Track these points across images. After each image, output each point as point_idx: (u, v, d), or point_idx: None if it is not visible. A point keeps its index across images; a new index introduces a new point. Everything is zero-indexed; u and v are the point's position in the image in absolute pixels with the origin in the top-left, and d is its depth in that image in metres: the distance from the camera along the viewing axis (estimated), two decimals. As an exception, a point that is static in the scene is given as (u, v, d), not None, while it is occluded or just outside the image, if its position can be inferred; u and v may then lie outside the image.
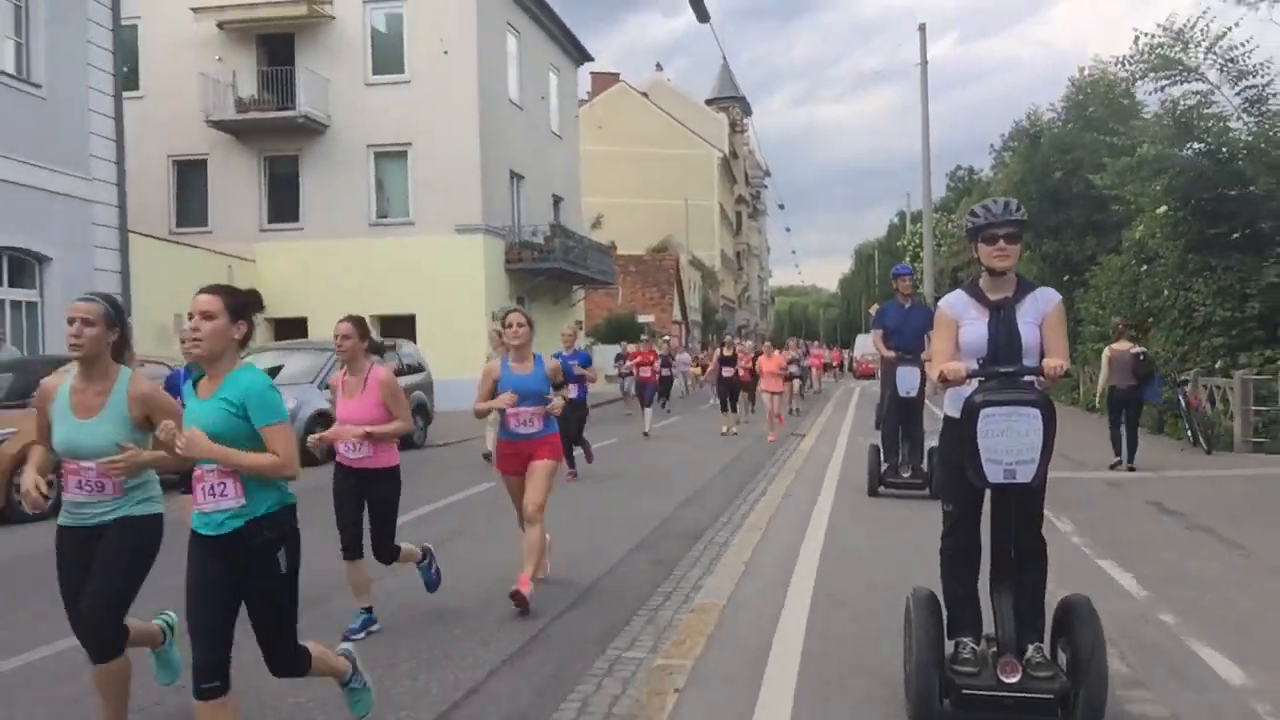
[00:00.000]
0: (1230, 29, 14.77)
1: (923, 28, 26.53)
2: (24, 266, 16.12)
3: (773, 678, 4.64)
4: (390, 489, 5.83)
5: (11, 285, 15.83)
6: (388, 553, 5.88)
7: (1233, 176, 13.17)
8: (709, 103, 77.18)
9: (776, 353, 19.68)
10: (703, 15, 14.23)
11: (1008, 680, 3.84)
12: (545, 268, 27.61)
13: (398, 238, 24.63)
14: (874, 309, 11.63)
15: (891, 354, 9.77)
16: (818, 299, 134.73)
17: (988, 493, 3.98)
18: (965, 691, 3.88)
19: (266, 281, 22.68)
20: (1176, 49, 15.15)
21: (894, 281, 10.38)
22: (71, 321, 3.84)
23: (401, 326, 23.05)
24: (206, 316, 3.50)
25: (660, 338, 31.21)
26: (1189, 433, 13.11)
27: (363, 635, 5.53)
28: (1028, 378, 3.93)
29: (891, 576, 6.16)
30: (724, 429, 18.57)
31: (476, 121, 24.80)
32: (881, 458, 9.99)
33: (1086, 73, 23.82)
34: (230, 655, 3.56)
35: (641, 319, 42.89)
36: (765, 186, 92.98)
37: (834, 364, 50.40)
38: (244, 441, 3.55)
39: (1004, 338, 3.98)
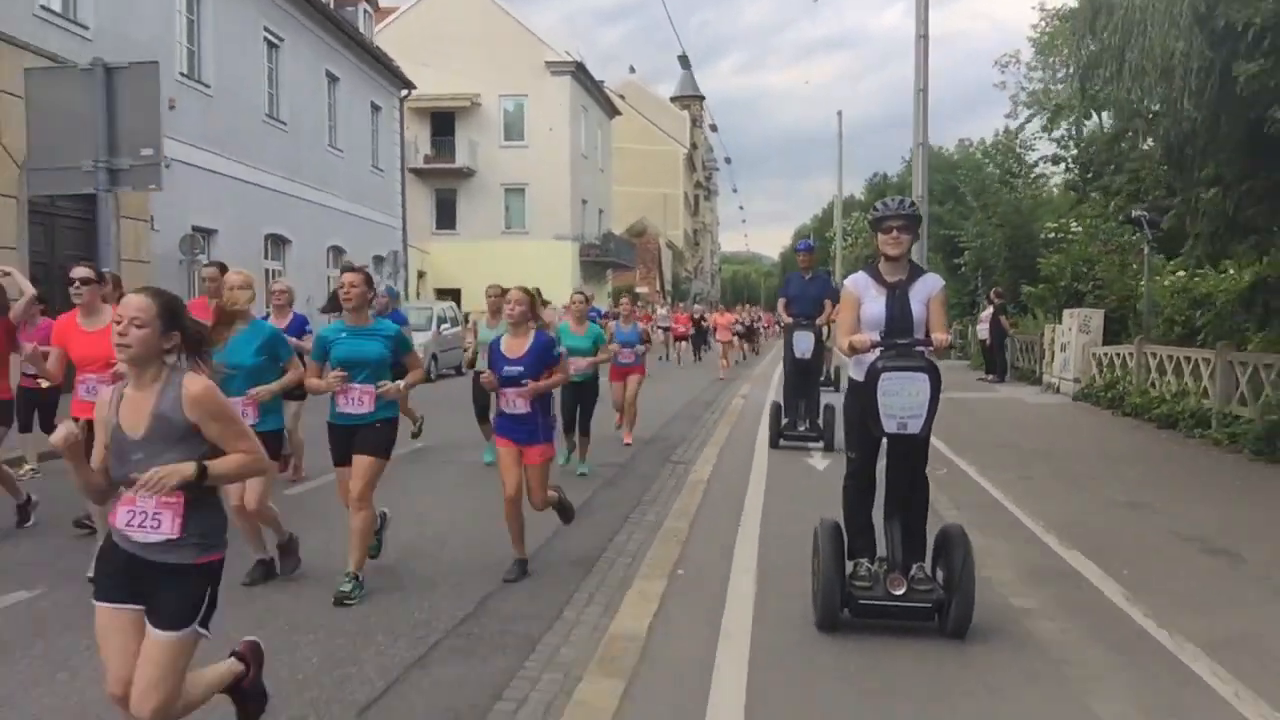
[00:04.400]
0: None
1: (839, 114, 42.01)
2: (376, 265, 31.35)
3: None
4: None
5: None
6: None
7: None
8: (673, 99, 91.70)
9: (727, 314, 27.41)
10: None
11: (895, 592, 4.53)
12: (603, 261, 43.40)
13: (518, 241, 39.56)
14: None
15: (789, 320, 10.11)
16: (759, 267, 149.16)
17: (884, 441, 4.62)
18: (861, 602, 4.59)
19: (437, 264, 37.82)
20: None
21: (797, 255, 11.04)
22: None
23: (522, 298, 38.56)
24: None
25: (651, 305, 46.59)
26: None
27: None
28: (919, 348, 4.55)
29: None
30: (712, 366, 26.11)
31: (568, 171, 40.21)
32: (782, 414, 10.46)
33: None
34: None
35: (639, 290, 58.24)
36: (718, 169, 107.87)
37: (766, 326, 61.97)
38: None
39: (898, 314, 4.60)
